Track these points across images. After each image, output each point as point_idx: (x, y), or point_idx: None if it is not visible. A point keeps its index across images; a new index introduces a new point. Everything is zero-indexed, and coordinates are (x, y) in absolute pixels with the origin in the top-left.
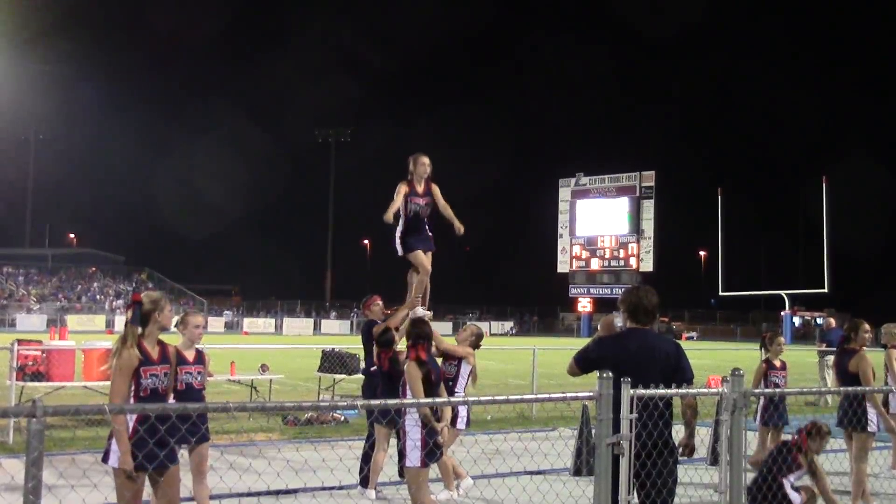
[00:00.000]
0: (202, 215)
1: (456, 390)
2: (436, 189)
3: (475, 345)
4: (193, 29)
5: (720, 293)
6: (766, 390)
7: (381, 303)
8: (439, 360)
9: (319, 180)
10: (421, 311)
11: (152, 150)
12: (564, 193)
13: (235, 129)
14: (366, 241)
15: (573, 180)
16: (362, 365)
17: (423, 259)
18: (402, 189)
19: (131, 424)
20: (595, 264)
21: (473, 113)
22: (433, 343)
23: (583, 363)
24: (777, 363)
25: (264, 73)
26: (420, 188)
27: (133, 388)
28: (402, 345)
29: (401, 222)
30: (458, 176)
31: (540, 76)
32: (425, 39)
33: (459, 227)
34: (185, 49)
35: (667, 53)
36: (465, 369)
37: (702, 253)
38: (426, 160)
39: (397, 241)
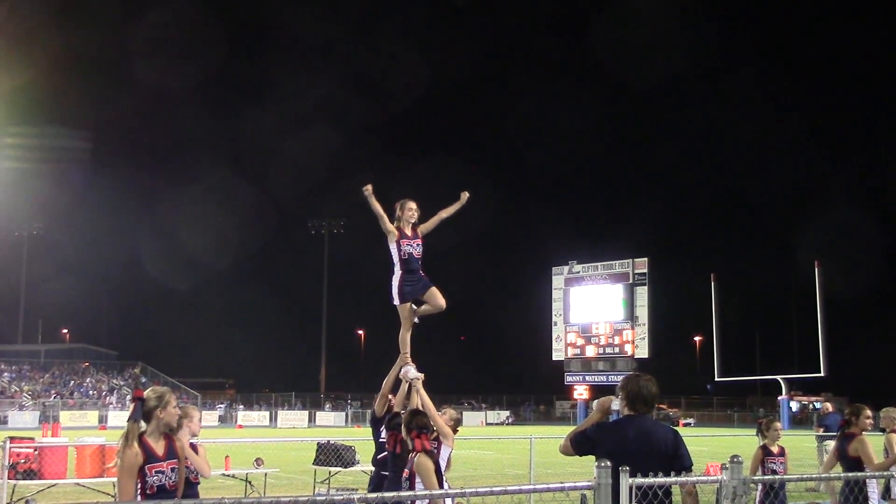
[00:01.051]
0: (195, 309)
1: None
2: (422, 232)
3: (453, 430)
4: (186, 129)
5: (716, 379)
6: (766, 477)
7: (392, 397)
8: None
9: (312, 271)
10: (412, 374)
11: (145, 246)
12: (558, 281)
13: (228, 224)
14: (360, 332)
15: (566, 268)
16: (358, 457)
17: (408, 314)
18: (392, 228)
19: None
20: (590, 351)
21: (465, 204)
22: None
23: (579, 445)
24: (774, 449)
25: (258, 170)
26: (409, 232)
27: (140, 486)
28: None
29: (396, 269)
30: (451, 265)
31: (532, 168)
32: (416, 149)
33: (464, 194)
34: (176, 143)
35: (658, 142)
36: (444, 452)
37: (697, 339)
38: (413, 205)
39: (395, 289)
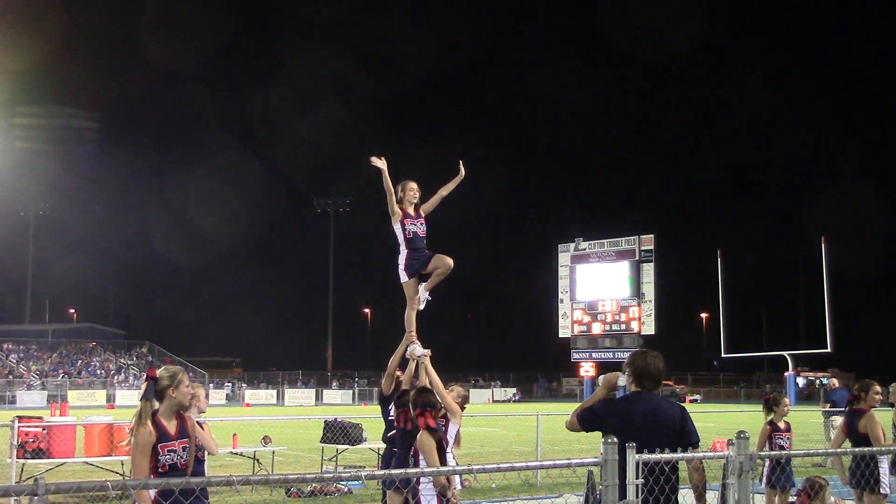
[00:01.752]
0: (202, 288)
1: (446, 451)
2: (424, 212)
3: (461, 407)
4: (193, 108)
5: (722, 355)
6: (773, 452)
7: (399, 374)
8: None
9: (319, 249)
10: (419, 351)
11: (152, 225)
12: (564, 258)
13: (235, 202)
14: (366, 310)
15: (572, 245)
16: (365, 435)
17: (414, 292)
18: (397, 209)
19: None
20: (596, 328)
21: (469, 181)
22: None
23: (586, 421)
24: (781, 425)
25: (265, 149)
26: (412, 212)
27: (151, 464)
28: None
29: (402, 248)
30: (457, 243)
31: (538, 145)
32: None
33: (462, 168)
34: (184, 123)
35: (664, 119)
36: (452, 429)
37: (703, 315)
38: (414, 185)
39: (401, 268)
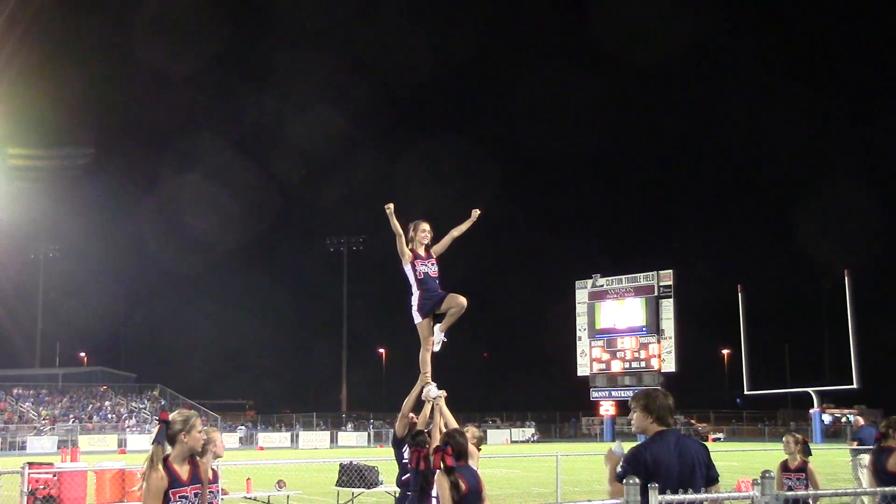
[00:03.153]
0: (214, 330)
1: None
2: (435, 253)
3: (476, 448)
4: (204, 142)
5: (745, 392)
6: (800, 493)
7: (413, 416)
8: None
9: (332, 290)
10: (434, 392)
11: (163, 267)
12: (581, 295)
13: (245, 243)
14: (381, 350)
15: (590, 282)
16: (382, 478)
17: (428, 333)
18: (406, 250)
19: None
20: (616, 366)
21: (485, 219)
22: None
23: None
24: (794, 464)
25: (279, 182)
26: (422, 253)
27: None
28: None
29: (414, 289)
30: (472, 281)
31: (554, 182)
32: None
33: (475, 212)
34: (192, 146)
35: (681, 154)
36: None
37: (725, 351)
38: (426, 226)
39: (414, 308)
